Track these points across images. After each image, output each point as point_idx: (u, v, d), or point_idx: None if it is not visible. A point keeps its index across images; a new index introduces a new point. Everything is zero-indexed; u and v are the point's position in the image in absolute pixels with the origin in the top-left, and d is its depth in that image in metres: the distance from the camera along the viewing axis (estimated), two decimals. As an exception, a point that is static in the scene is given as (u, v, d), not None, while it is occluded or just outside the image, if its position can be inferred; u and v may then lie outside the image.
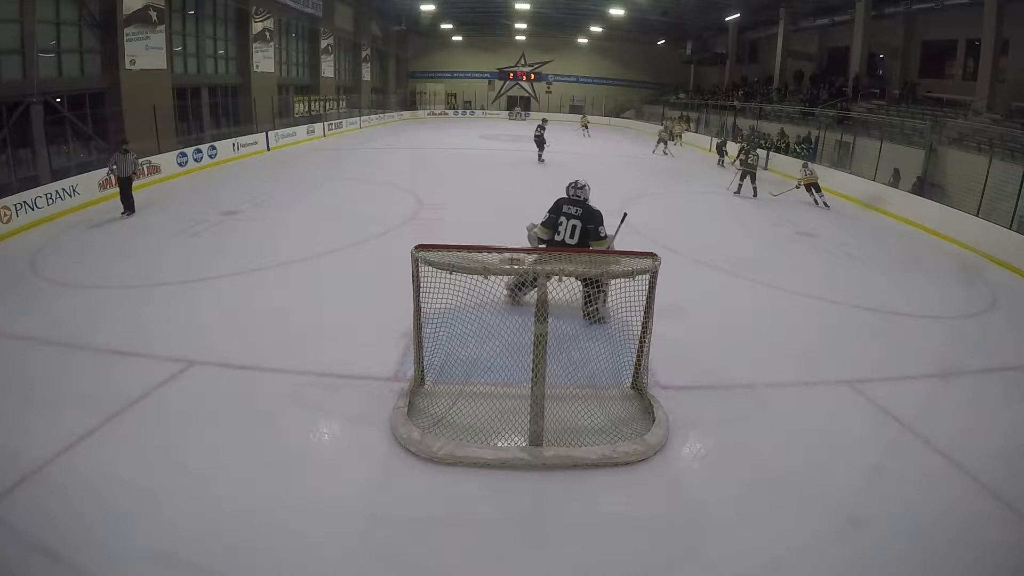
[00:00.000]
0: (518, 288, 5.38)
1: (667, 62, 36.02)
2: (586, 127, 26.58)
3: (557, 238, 5.32)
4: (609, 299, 4.69)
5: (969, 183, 10.90)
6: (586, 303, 5.04)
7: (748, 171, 13.30)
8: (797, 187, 12.76)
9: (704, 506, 3.35)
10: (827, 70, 23.51)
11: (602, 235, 5.28)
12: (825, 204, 12.41)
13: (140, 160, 10.38)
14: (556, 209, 5.40)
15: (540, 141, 16.98)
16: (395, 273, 5.86)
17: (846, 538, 3.13)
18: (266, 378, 4.49)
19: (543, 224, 5.44)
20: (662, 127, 23.30)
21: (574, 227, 5.25)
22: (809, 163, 13.27)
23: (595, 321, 5.07)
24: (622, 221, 5.89)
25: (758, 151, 14.85)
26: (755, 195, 13.09)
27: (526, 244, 5.50)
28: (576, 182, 5.50)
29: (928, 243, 10.31)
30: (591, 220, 5.25)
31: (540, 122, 17.87)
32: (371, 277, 6.70)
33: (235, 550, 2.87)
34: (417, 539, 3.02)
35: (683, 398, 4.34)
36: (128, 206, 9.64)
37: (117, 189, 9.69)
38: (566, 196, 5.45)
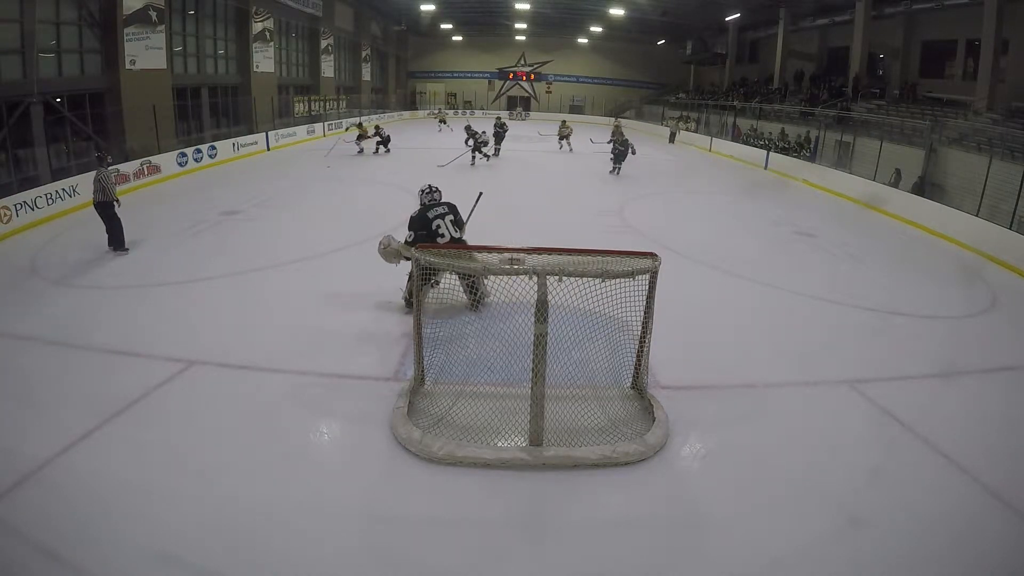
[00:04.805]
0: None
1: (667, 62, 36.01)
2: (566, 138, 20.25)
3: (443, 241, 5.45)
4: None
5: (969, 183, 10.91)
6: (470, 293, 5.10)
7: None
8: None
9: (704, 506, 3.35)
10: (827, 70, 23.46)
11: (464, 220, 5.82)
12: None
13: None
14: (423, 224, 5.43)
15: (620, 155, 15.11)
16: (395, 273, 5.89)
17: (846, 538, 3.13)
18: (266, 378, 4.49)
19: (409, 242, 5.41)
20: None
21: (452, 222, 5.56)
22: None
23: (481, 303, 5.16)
24: (476, 201, 6.34)
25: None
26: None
27: (524, 244, 5.47)
28: (429, 187, 5.83)
29: (928, 243, 10.30)
30: (456, 211, 5.71)
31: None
32: (371, 277, 6.69)
33: (235, 550, 2.87)
34: (417, 539, 3.02)
35: (683, 398, 4.34)
36: None
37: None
38: (423, 206, 5.65)
